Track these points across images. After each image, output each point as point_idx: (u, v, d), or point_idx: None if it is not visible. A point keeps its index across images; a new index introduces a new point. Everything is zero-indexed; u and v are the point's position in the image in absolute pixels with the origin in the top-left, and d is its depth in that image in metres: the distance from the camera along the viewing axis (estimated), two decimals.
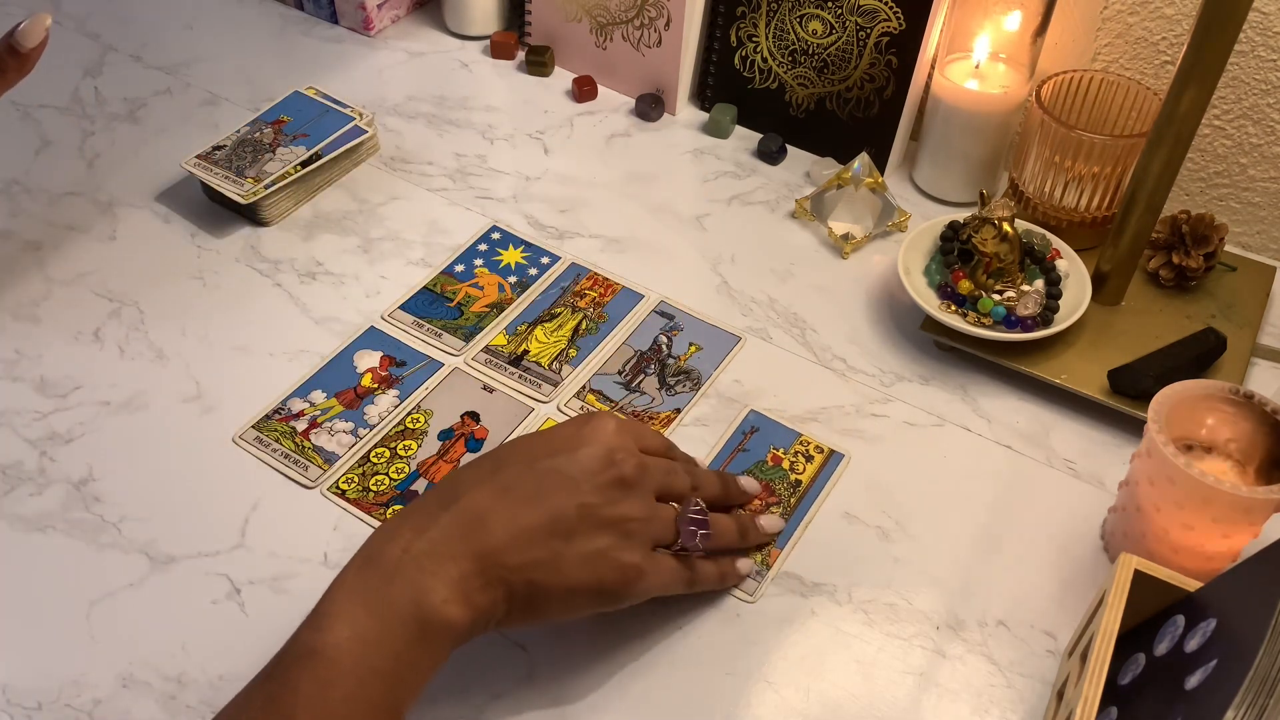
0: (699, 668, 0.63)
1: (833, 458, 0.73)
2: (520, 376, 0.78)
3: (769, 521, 0.68)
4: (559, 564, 0.56)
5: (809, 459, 0.73)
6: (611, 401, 0.76)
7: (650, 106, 1.00)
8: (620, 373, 0.78)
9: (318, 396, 0.76)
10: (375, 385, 0.77)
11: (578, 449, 0.58)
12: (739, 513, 0.68)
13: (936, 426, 0.76)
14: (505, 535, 0.55)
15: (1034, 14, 0.84)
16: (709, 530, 0.61)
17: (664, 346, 0.80)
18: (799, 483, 0.72)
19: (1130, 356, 0.76)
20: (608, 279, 0.85)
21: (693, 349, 0.80)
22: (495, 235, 0.89)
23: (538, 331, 0.81)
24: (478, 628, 0.55)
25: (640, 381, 0.78)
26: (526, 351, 0.80)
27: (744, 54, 0.98)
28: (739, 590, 0.66)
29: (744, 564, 0.66)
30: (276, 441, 0.73)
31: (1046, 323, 0.77)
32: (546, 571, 0.56)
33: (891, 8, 0.89)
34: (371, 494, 0.70)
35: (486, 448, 0.73)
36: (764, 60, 0.97)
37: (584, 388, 0.77)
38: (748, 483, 0.69)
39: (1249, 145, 0.87)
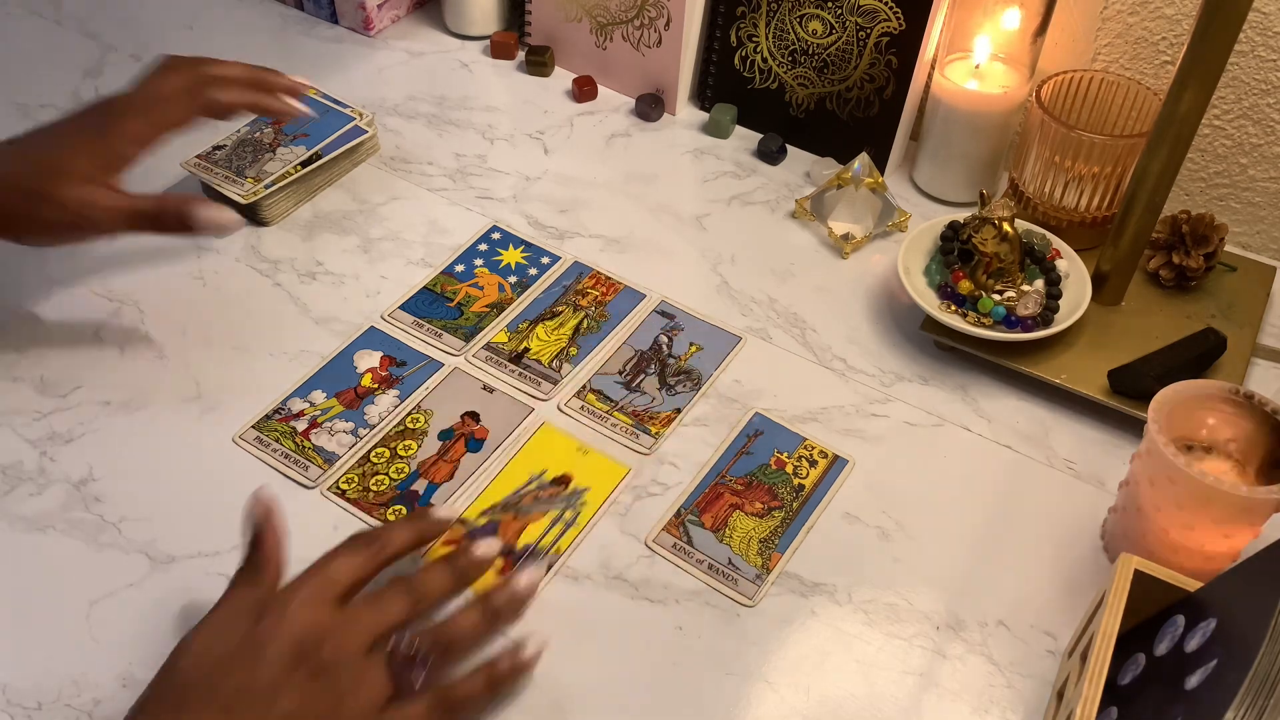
0: (699, 667, 0.63)
1: (836, 463, 0.73)
2: (520, 374, 0.78)
3: (528, 578, 0.60)
4: None
5: (813, 464, 0.73)
6: (612, 401, 0.76)
7: (650, 106, 1.00)
8: (621, 373, 0.78)
9: (318, 396, 0.76)
10: (375, 385, 0.77)
11: (263, 651, 0.51)
12: (487, 591, 0.60)
13: (936, 427, 0.76)
14: None
15: (1034, 14, 0.84)
16: (432, 657, 0.55)
17: (664, 346, 0.80)
18: (802, 487, 0.72)
19: (1130, 356, 0.76)
20: (610, 278, 0.85)
21: (693, 349, 0.80)
22: (495, 235, 0.89)
23: (539, 329, 0.81)
24: None
25: (640, 381, 0.78)
26: (527, 349, 0.80)
27: (744, 54, 0.98)
28: (739, 592, 0.66)
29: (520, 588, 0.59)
30: (277, 441, 0.73)
31: (1047, 323, 0.77)
32: None
33: (891, 8, 0.89)
34: (372, 494, 0.70)
35: (487, 448, 0.73)
36: (764, 60, 0.97)
37: (584, 388, 0.77)
38: (485, 547, 0.60)
39: (1249, 145, 0.87)
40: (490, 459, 0.73)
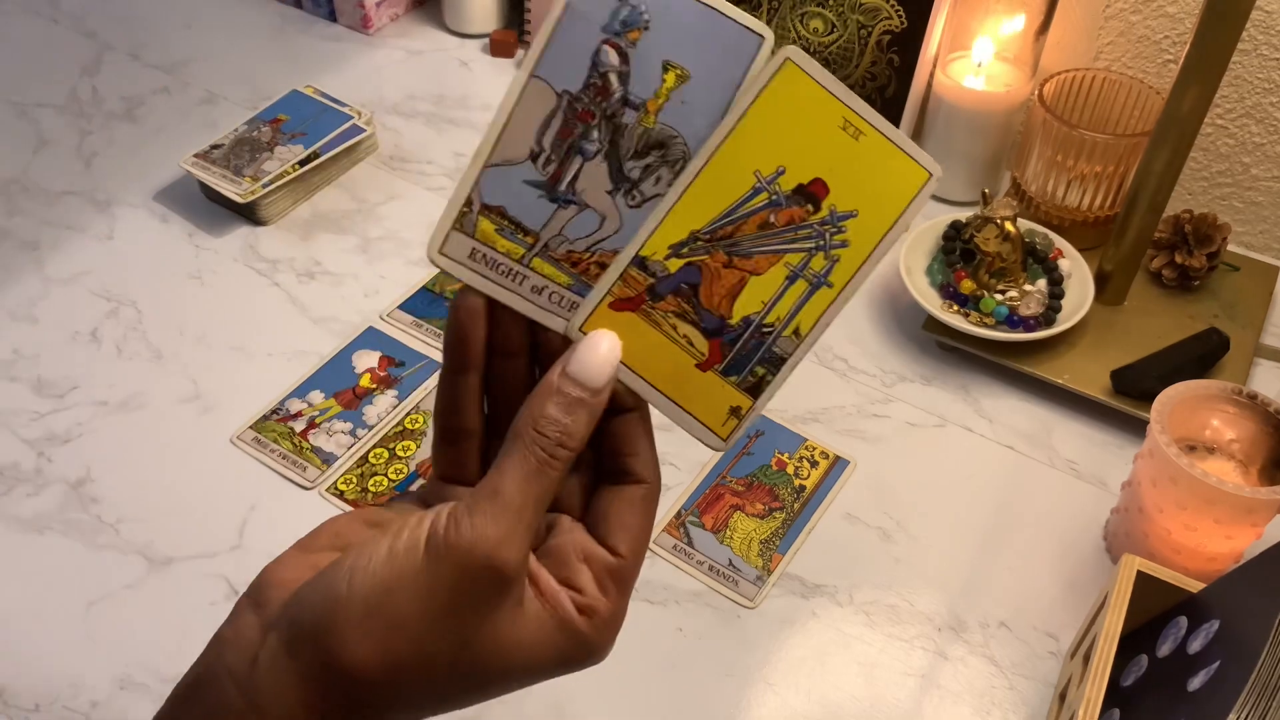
0: (700, 669, 0.62)
1: (838, 464, 0.73)
2: None
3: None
4: None
5: (814, 464, 0.73)
6: (524, 230, 0.37)
7: None
8: (534, 156, 0.37)
9: (316, 397, 0.76)
10: (374, 385, 0.77)
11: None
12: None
13: (938, 427, 0.76)
14: None
15: (1036, 13, 0.84)
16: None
17: (613, 78, 0.37)
18: (803, 488, 0.71)
19: (1133, 356, 0.76)
20: None
21: (672, 77, 0.37)
22: None
23: None
24: None
25: (574, 175, 0.37)
26: None
27: None
28: (739, 594, 0.66)
29: None
30: (275, 442, 0.73)
31: (1049, 322, 0.77)
32: None
33: (893, 6, 0.89)
34: (370, 495, 0.70)
35: None
36: None
37: (469, 207, 0.37)
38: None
39: (1252, 144, 0.87)
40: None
